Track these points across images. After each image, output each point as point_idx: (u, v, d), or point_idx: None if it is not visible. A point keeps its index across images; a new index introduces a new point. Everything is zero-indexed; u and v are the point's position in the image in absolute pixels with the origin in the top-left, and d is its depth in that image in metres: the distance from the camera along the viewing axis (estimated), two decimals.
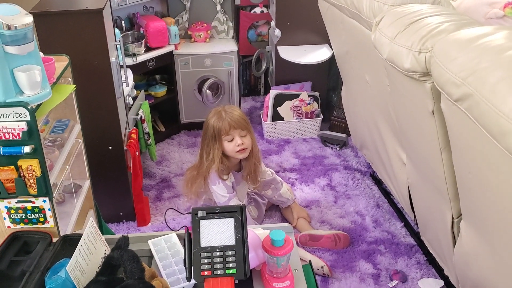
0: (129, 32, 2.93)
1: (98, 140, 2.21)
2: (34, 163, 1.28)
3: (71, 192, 1.65)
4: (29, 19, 1.25)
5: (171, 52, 3.05)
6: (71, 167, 1.64)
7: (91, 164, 1.99)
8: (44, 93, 1.30)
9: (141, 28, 2.96)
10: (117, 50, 2.30)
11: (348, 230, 2.39)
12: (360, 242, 2.32)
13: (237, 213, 1.14)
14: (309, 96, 3.15)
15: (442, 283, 2.08)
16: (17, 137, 1.26)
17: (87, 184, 1.77)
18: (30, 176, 1.30)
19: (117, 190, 2.37)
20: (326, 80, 3.30)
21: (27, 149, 1.27)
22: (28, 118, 1.24)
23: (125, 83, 2.40)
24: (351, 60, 2.32)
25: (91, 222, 1.26)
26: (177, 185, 2.75)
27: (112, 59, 2.13)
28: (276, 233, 1.22)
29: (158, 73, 3.23)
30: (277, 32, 3.14)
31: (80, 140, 1.68)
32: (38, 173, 1.29)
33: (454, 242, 1.77)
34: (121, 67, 2.36)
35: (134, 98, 2.68)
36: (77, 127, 1.66)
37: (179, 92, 3.19)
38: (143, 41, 2.88)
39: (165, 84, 3.22)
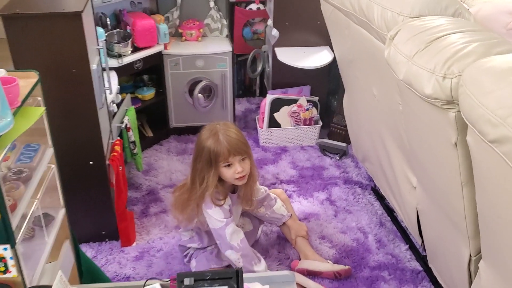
0: (115, 30, 2.71)
1: (78, 155, 2.01)
2: None
3: (42, 225, 1.45)
4: None
5: (160, 52, 2.84)
6: (43, 196, 1.44)
7: (70, 181, 1.79)
8: (3, 123, 1.09)
9: (127, 27, 2.74)
10: (99, 54, 2.09)
11: (350, 250, 2.21)
12: (362, 266, 2.14)
13: (232, 280, 0.95)
14: (308, 101, 2.96)
15: None
16: None
17: (61, 213, 1.57)
18: None
19: (99, 207, 2.17)
20: (326, 84, 3.10)
21: None
22: None
23: (108, 90, 2.19)
24: (356, 69, 2.12)
25: (59, 276, 1.07)
26: (165, 199, 2.56)
27: (93, 66, 1.92)
28: None
29: (146, 73, 3.01)
30: (275, 32, 2.93)
31: (53, 166, 1.48)
32: None
33: (470, 280, 1.60)
34: (103, 69, 2.15)
35: (119, 104, 2.47)
36: (49, 152, 1.45)
37: (168, 95, 2.98)
38: (129, 41, 2.66)
39: (153, 85, 3.00)
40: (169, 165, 2.83)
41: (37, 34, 1.77)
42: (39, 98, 1.38)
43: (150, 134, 3.01)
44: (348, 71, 2.26)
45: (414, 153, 1.71)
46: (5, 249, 1.15)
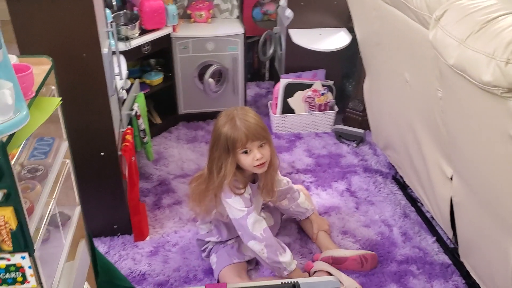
0: (121, 12, 2.55)
1: (88, 146, 1.88)
2: (7, 212, 0.96)
3: (57, 225, 1.33)
4: None
5: (169, 34, 2.69)
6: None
7: (80, 173, 1.66)
8: (18, 118, 0.96)
9: (134, 8, 2.59)
10: (109, 37, 1.95)
11: (375, 244, 2.11)
12: (389, 261, 2.04)
13: None
14: (323, 85, 2.83)
15: None
16: None
17: (77, 211, 1.45)
18: (3, 230, 0.98)
19: (111, 200, 2.05)
20: (341, 67, 2.97)
21: None
22: None
23: (119, 76, 2.05)
24: (384, 53, 1.99)
25: None
26: (178, 189, 2.43)
27: (104, 50, 1.78)
28: None
29: (153, 57, 2.87)
30: (288, 12, 2.78)
31: (67, 161, 1.35)
32: (13, 225, 0.97)
33: None
34: (113, 53, 2.01)
35: (128, 90, 2.33)
36: (64, 146, 1.33)
37: (177, 80, 2.84)
38: (137, 23, 2.51)
39: (160, 70, 2.86)
40: (179, 153, 2.71)
41: (44, 15, 1.63)
42: (53, 87, 1.25)
43: (158, 121, 2.88)
44: (374, 55, 2.13)
45: (454, 143, 1.59)
46: (23, 257, 1.03)
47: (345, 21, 2.81)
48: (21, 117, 0.97)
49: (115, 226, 2.13)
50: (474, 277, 1.82)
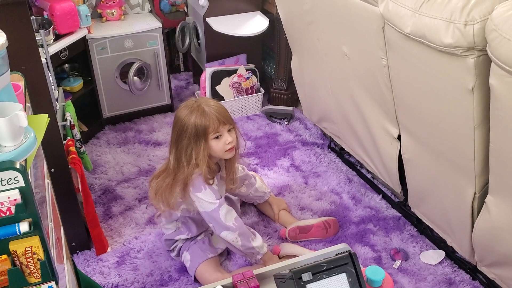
0: (31, 17, 2.37)
1: None
2: (35, 242, 0.89)
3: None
4: (2, 38, 0.83)
5: (85, 37, 2.56)
6: None
7: None
8: (29, 141, 0.89)
9: (44, 12, 2.42)
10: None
11: (330, 213, 2.23)
12: (347, 224, 2.17)
13: (349, 265, 0.89)
14: (246, 69, 2.88)
15: (443, 253, 2.02)
16: (8, 213, 0.86)
17: (62, 232, 1.36)
18: (30, 262, 0.91)
19: (66, 218, 1.93)
20: (260, 50, 3.03)
21: (23, 226, 0.87)
22: (22, 184, 0.84)
23: (53, 85, 1.93)
24: (317, 31, 2.08)
25: None
26: (125, 195, 2.36)
27: (43, 60, 1.67)
28: (373, 271, 0.99)
29: (67, 62, 2.71)
30: (203, 1, 2.78)
31: (48, 181, 1.27)
32: (41, 254, 0.91)
33: (472, 216, 1.69)
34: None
35: (56, 100, 2.20)
36: (44, 164, 1.24)
37: (98, 83, 2.72)
38: (51, 28, 2.35)
39: (78, 75, 2.72)
40: (115, 158, 2.61)
41: None
42: (28, 104, 1.16)
43: (84, 128, 2.74)
44: (305, 34, 2.21)
45: (403, 105, 1.73)
46: (50, 287, 0.97)
47: (259, 5, 2.88)
48: (31, 140, 0.91)
49: (73, 244, 2.02)
50: (426, 223, 2.01)
